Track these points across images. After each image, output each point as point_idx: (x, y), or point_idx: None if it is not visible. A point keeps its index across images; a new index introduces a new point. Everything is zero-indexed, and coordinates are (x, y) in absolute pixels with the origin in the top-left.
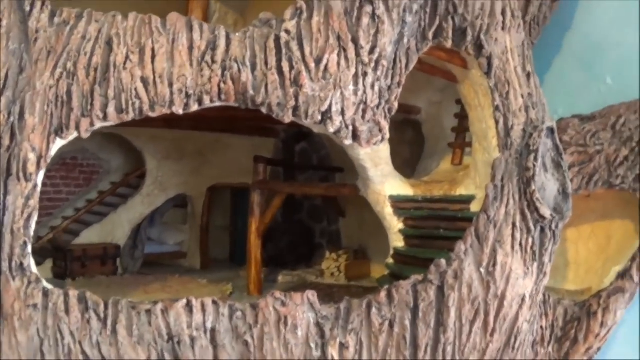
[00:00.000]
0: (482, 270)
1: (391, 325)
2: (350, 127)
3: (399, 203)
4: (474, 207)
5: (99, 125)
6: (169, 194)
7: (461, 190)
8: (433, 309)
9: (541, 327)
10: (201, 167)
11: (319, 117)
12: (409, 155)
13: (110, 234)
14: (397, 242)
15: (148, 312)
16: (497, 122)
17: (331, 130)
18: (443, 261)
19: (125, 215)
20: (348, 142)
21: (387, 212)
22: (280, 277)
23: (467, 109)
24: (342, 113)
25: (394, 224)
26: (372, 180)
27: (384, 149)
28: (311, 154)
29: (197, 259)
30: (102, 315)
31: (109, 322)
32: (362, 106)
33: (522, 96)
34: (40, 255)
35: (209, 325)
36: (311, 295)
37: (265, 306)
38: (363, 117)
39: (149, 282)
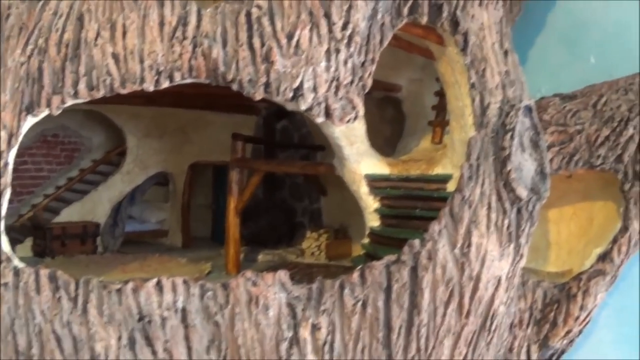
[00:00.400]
0: (457, 251)
1: (364, 307)
2: (323, 105)
3: (375, 182)
4: (451, 186)
5: (70, 102)
6: (149, 171)
7: (438, 170)
8: (406, 290)
9: (519, 309)
10: (182, 145)
11: (291, 94)
12: (390, 133)
13: (91, 212)
14: (373, 221)
15: (118, 291)
16: (472, 100)
17: (303, 107)
18: (417, 241)
19: (106, 193)
20: (320, 119)
21: (363, 192)
22: (260, 256)
23: (445, 86)
24: (314, 90)
25: (370, 204)
26: (347, 159)
27: (360, 127)
28: (292, 132)
29: (178, 238)
30: (72, 294)
31: (80, 302)
32: (334, 83)
33: (499, 74)
34: (20, 234)
35: (179, 305)
36: (283, 275)
37: (236, 286)
38: (336, 94)
39: (128, 261)
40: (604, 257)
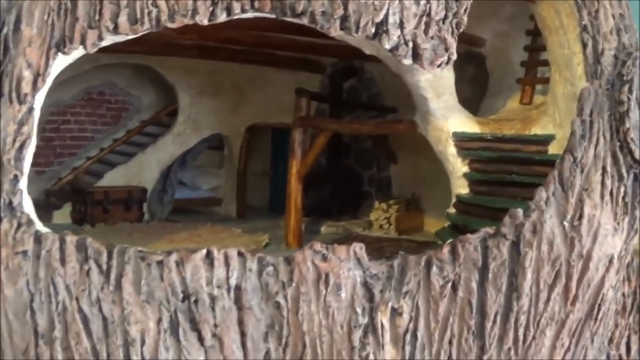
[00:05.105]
0: (566, 223)
1: (454, 289)
2: (410, 44)
3: (464, 142)
4: (553, 148)
5: (108, 38)
6: (202, 133)
7: (536, 130)
8: (505, 269)
9: (623, 294)
10: (239, 105)
11: (373, 30)
12: (470, 93)
13: (137, 176)
14: (461, 188)
15: (160, 264)
16: (584, 46)
17: (387, 46)
18: (520, 211)
19: (154, 156)
20: (407, 61)
21: (450, 152)
22: (323, 228)
23: (545, 33)
24: (401, 26)
25: (458, 167)
26: (433, 114)
27: (449, 76)
28: (360, 92)
29: (232, 207)
30: (104, 266)
31: (113, 276)
32: (424, 19)
33: (613, 17)
34: (59, 199)
35: (233, 282)
36: (358, 249)
37: (302, 260)
38: (426, 32)
39: (176, 231)
40: None
